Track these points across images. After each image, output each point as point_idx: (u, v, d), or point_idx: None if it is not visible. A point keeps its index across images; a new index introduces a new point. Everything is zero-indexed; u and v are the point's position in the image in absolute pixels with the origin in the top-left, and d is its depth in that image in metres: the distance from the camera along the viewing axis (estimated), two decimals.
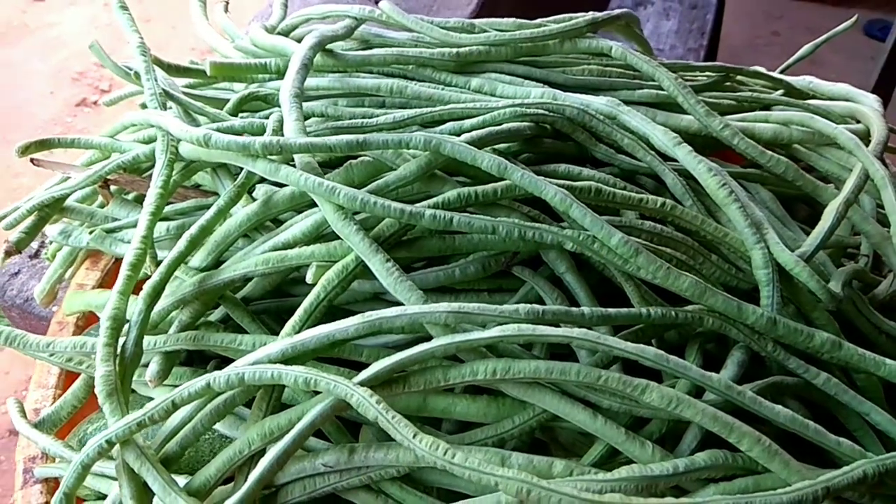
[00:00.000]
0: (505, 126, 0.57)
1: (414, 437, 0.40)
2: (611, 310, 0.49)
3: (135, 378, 0.51)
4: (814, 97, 0.77)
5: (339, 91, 0.66)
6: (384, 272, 0.48)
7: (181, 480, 0.46)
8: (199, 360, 0.57)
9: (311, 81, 0.67)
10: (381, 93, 0.65)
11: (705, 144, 0.67)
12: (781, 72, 0.90)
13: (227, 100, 0.66)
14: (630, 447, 0.44)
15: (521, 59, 0.69)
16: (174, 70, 0.69)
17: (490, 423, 0.47)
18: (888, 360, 0.50)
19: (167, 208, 0.61)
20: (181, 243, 0.52)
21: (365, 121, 0.60)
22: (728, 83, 0.77)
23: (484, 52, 0.68)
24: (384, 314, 0.45)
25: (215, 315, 0.56)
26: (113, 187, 0.65)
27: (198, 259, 0.56)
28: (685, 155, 0.58)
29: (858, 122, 0.69)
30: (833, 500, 0.44)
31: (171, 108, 0.62)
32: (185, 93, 0.65)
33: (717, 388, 0.45)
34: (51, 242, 0.66)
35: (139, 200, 0.65)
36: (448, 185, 0.54)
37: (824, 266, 0.61)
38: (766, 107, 0.72)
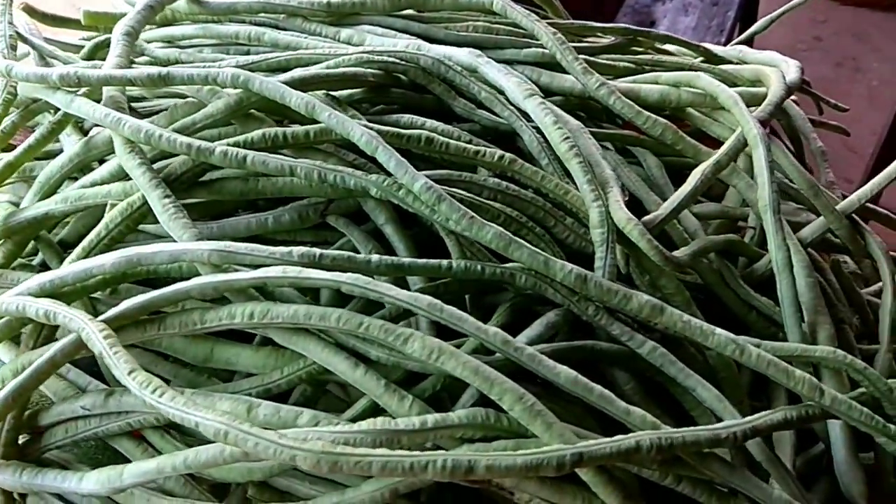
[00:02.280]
0: (339, 70, 0.54)
1: (129, 373, 0.37)
2: (404, 259, 0.45)
3: None
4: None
5: (204, 40, 0.64)
6: (160, 208, 0.45)
7: None
8: None
9: (177, 30, 0.65)
10: (240, 40, 0.63)
11: (606, 109, 0.62)
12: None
13: None
14: (388, 401, 0.40)
15: (402, 13, 0.66)
16: (51, 20, 0.68)
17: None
18: (718, 330, 0.45)
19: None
20: None
21: (207, 65, 0.57)
22: (639, 48, 0.72)
23: (358, 3, 0.65)
24: (142, 250, 0.43)
25: (38, 259, 0.55)
26: None
27: (25, 201, 0.55)
28: (535, 107, 0.54)
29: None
30: (601, 473, 0.39)
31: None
32: (48, 39, 0.64)
33: (493, 342, 0.41)
34: None
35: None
36: (265, 126, 0.51)
37: (694, 236, 0.56)
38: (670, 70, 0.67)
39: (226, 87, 0.50)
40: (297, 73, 0.52)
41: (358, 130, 0.47)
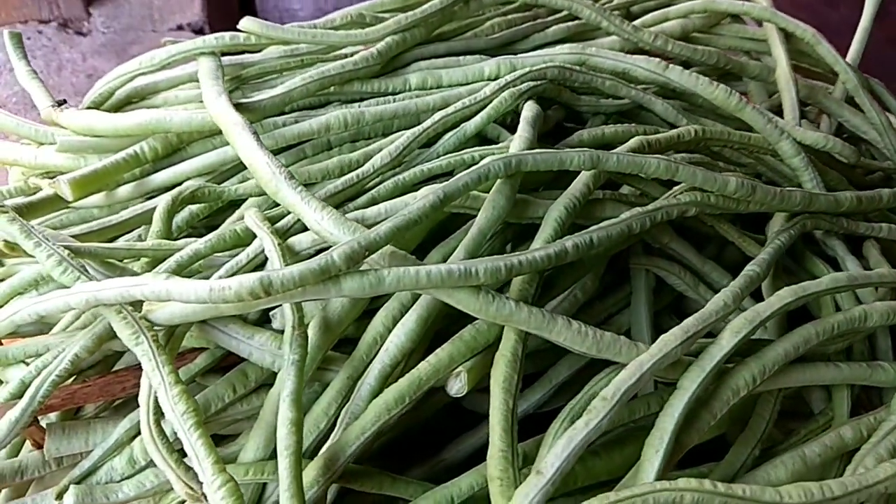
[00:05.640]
0: (529, 114, 0.49)
1: None
2: None
3: None
4: None
5: (273, 148, 0.50)
6: (579, 338, 0.38)
7: None
8: None
9: (222, 152, 0.49)
10: (333, 130, 0.50)
11: None
12: None
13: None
14: (875, 377, 0.42)
15: (431, 36, 0.59)
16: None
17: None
18: None
19: None
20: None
21: (358, 172, 0.46)
22: None
23: (400, 41, 0.56)
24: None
25: None
26: None
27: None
28: (679, 75, 0.56)
29: None
30: None
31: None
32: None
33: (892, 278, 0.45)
34: None
35: None
36: (532, 205, 0.44)
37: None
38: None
39: (498, 177, 0.41)
40: (523, 134, 0.46)
41: (653, 162, 0.44)
